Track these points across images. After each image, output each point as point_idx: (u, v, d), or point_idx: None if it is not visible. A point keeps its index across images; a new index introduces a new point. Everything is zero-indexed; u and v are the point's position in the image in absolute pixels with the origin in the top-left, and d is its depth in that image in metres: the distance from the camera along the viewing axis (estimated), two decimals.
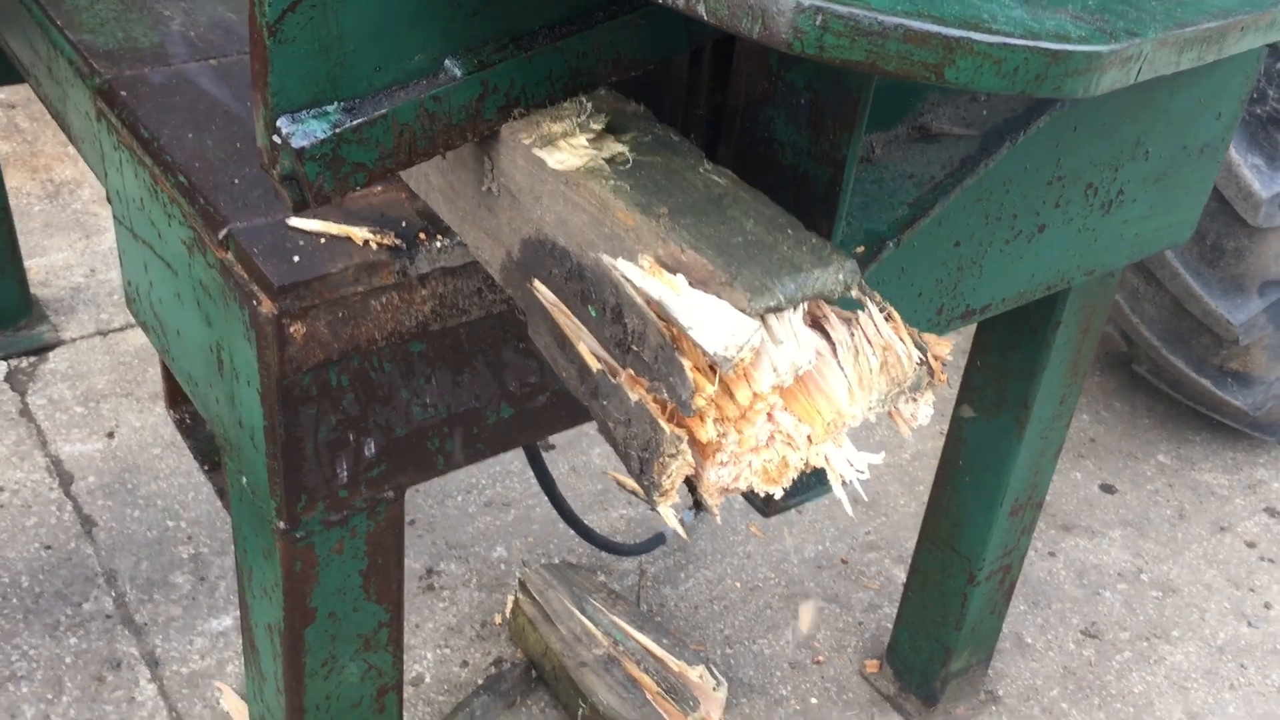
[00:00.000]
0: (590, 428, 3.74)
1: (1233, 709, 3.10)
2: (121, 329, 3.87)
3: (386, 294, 1.41)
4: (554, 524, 3.32)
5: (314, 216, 1.43)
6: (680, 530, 1.20)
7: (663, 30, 1.38)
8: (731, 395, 1.12)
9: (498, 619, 3.05)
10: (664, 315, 1.14)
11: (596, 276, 1.20)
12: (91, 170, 1.84)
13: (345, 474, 1.49)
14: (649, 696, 2.69)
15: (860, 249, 1.56)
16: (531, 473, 3.45)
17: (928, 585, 2.82)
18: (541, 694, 2.87)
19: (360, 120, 1.21)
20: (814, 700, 2.97)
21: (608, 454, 3.64)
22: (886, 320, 1.18)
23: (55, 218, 4.39)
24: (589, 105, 1.34)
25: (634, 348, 1.15)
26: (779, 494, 1.19)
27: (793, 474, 1.17)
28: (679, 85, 1.49)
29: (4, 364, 3.66)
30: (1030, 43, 0.98)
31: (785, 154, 1.41)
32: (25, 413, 3.49)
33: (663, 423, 1.11)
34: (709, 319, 1.11)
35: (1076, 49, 1.00)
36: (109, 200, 1.75)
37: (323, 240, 1.41)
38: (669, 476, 1.11)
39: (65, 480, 3.29)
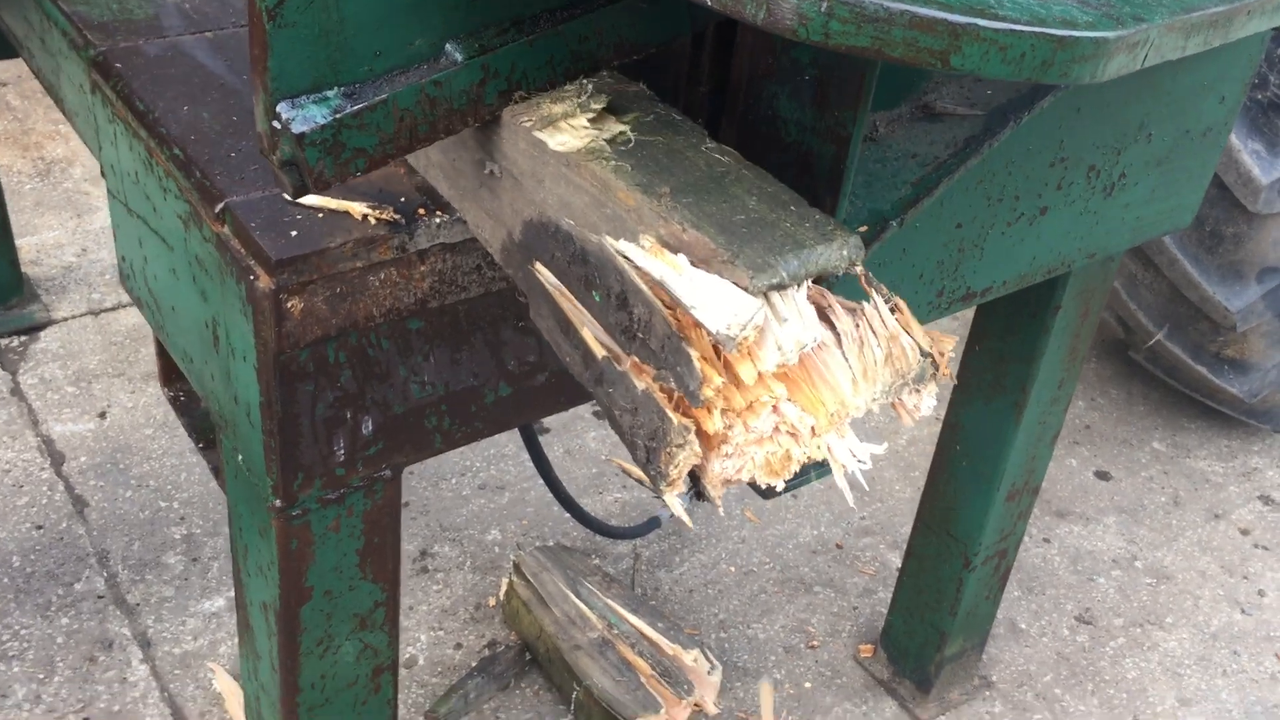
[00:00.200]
0: (585, 410, 3.73)
1: (1225, 695, 3.10)
2: (113, 309, 3.85)
3: (385, 270, 1.39)
4: (548, 507, 3.31)
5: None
6: (687, 520, 1.19)
7: (665, 13, 1.36)
8: (737, 376, 1.11)
9: (492, 602, 3.04)
10: (666, 296, 1.13)
11: (600, 262, 1.19)
12: (85, 144, 1.82)
13: (342, 452, 1.48)
14: (643, 679, 2.69)
15: (863, 228, 1.55)
16: (526, 456, 3.44)
17: (923, 570, 2.82)
18: (535, 676, 2.87)
19: (361, 105, 1.20)
20: (808, 685, 2.97)
21: (603, 437, 3.63)
22: (892, 312, 1.18)
23: (46, 196, 4.36)
24: (589, 86, 1.33)
25: (640, 335, 1.14)
26: (780, 486, 1.19)
27: (795, 467, 1.17)
28: (681, 61, 1.47)
29: None
30: (1036, 29, 0.97)
31: (789, 131, 1.39)
32: (16, 392, 3.47)
33: (670, 412, 1.10)
34: (711, 298, 1.10)
35: (1083, 35, 0.98)
36: (103, 174, 1.73)
37: (321, 215, 1.39)
38: (676, 466, 1.10)
39: (57, 460, 3.27)
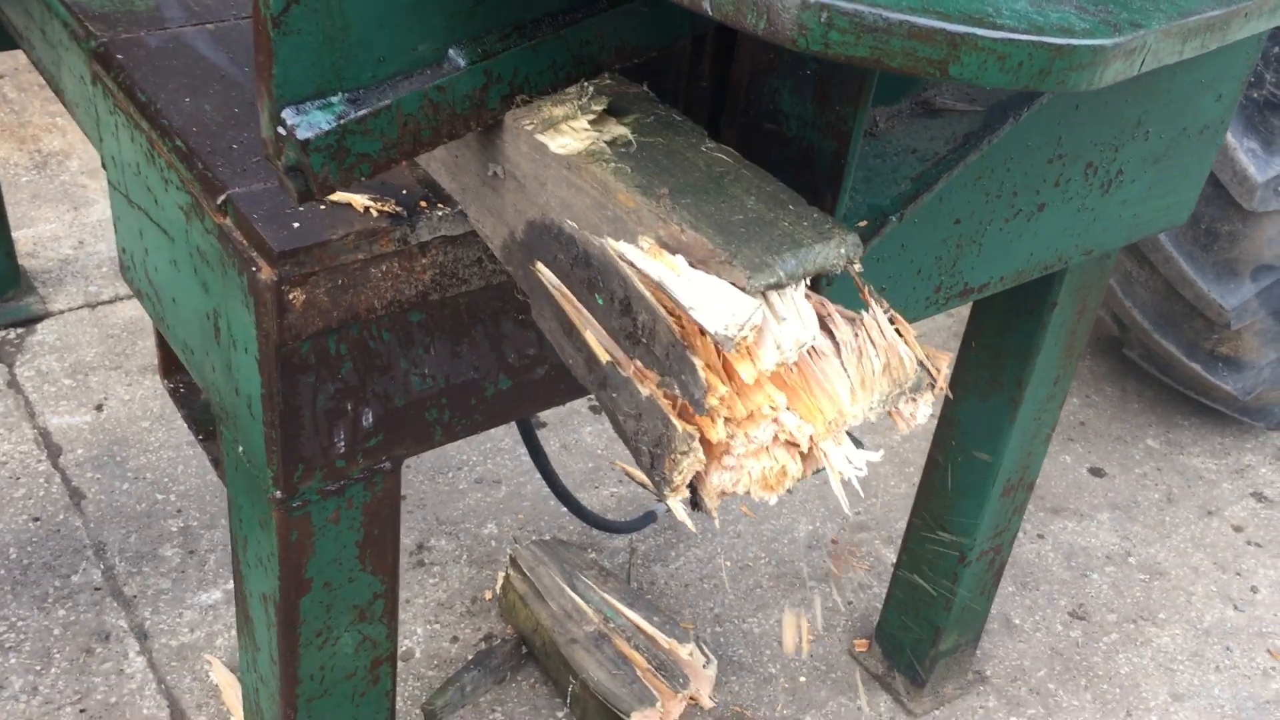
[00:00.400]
0: (582, 405, 3.74)
1: (1218, 691, 3.12)
2: (110, 301, 3.85)
3: (387, 262, 1.39)
4: (544, 501, 3.32)
5: None
6: (690, 524, 1.20)
7: (667, 17, 1.37)
8: (738, 382, 1.12)
9: (488, 595, 3.05)
10: (667, 299, 1.14)
11: (604, 266, 1.19)
12: (85, 135, 1.82)
13: (343, 443, 1.48)
14: (639, 673, 2.70)
15: (863, 223, 1.56)
16: (522, 450, 3.45)
17: (918, 565, 2.83)
18: (531, 670, 2.87)
19: (365, 111, 1.21)
20: (803, 679, 2.98)
21: (599, 432, 3.63)
22: (891, 323, 1.19)
23: (43, 189, 4.35)
24: (590, 88, 1.34)
25: (644, 340, 1.15)
26: (773, 501, 1.20)
27: (790, 484, 1.19)
28: (682, 57, 1.48)
29: None
30: (1034, 38, 0.98)
31: (790, 126, 1.40)
32: (13, 384, 3.47)
33: (675, 420, 1.11)
34: (709, 299, 1.11)
35: (1081, 43, 0.99)
36: (104, 166, 1.73)
37: (323, 207, 1.39)
38: (680, 473, 1.12)
39: (54, 452, 3.27)
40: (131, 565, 2.99)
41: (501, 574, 2.97)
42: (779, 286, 1.14)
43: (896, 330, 1.20)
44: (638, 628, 2.80)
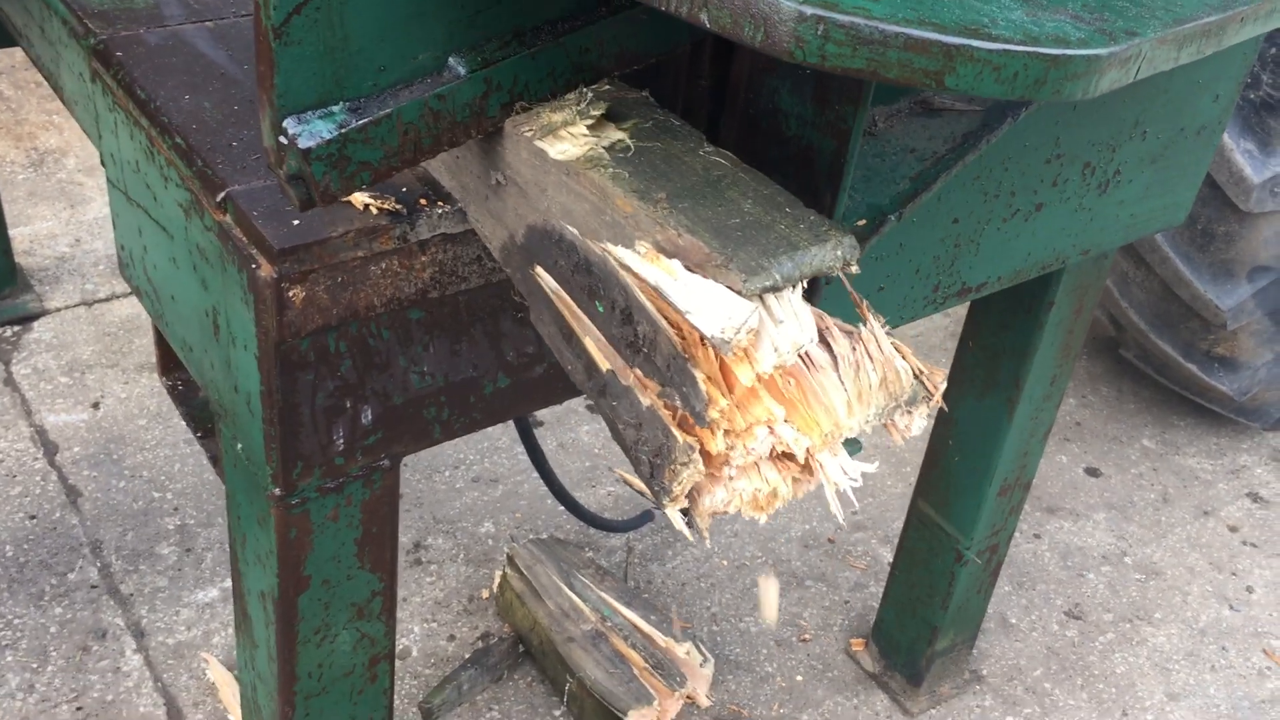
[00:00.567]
0: (579, 404, 3.74)
1: (1213, 690, 3.12)
2: (107, 299, 3.85)
3: (386, 260, 1.40)
4: (541, 500, 3.32)
5: None
6: (688, 533, 1.21)
7: (666, 24, 1.37)
8: (741, 393, 1.13)
9: (485, 594, 3.05)
10: (668, 309, 1.14)
11: (605, 275, 1.20)
12: (84, 132, 1.82)
13: (342, 441, 1.48)
14: (636, 672, 2.70)
15: (862, 222, 1.56)
16: (519, 449, 3.45)
17: (915, 564, 2.83)
18: (529, 668, 2.88)
19: (365, 120, 1.22)
20: (799, 678, 2.98)
21: (596, 431, 3.63)
22: (888, 337, 1.21)
23: (40, 187, 4.35)
24: (589, 93, 1.35)
25: (644, 350, 1.16)
26: (763, 520, 1.22)
27: (780, 504, 1.20)
28: (682, 56, 1.48)
29: None
30: (1029, 48, 0.98)
31: (790, 125, 1.40)
32: (9, 382, 3.47)
33: (676, 431, 1.12)
34: (706, 303, 1.12)
35: (1075, 53, 1.00)
36: (102, 163, 1.73)
37: None
38: (680, 483, 1.13)
39: (50, 450, 3.26)
40: (128, 563, 2.98)
41: (499, 572, 2.97)
42: (775, 289, 1.15)
43: (893, 345, 1.22)
44: (635, 626, 2.81)
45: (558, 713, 2.78)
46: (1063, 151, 1.91)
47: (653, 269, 1.17)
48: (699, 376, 1.11)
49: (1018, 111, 1.74)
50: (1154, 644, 3.24)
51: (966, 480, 2.64)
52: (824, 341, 1.19)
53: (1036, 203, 1.95)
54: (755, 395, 1.13)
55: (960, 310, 4.06)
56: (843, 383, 1.18)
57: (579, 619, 2.80)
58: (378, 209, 1.40)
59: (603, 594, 2.87)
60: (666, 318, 1.14)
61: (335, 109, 1.21)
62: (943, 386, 1.25)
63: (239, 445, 1.53)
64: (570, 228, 1.27)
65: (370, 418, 1.49)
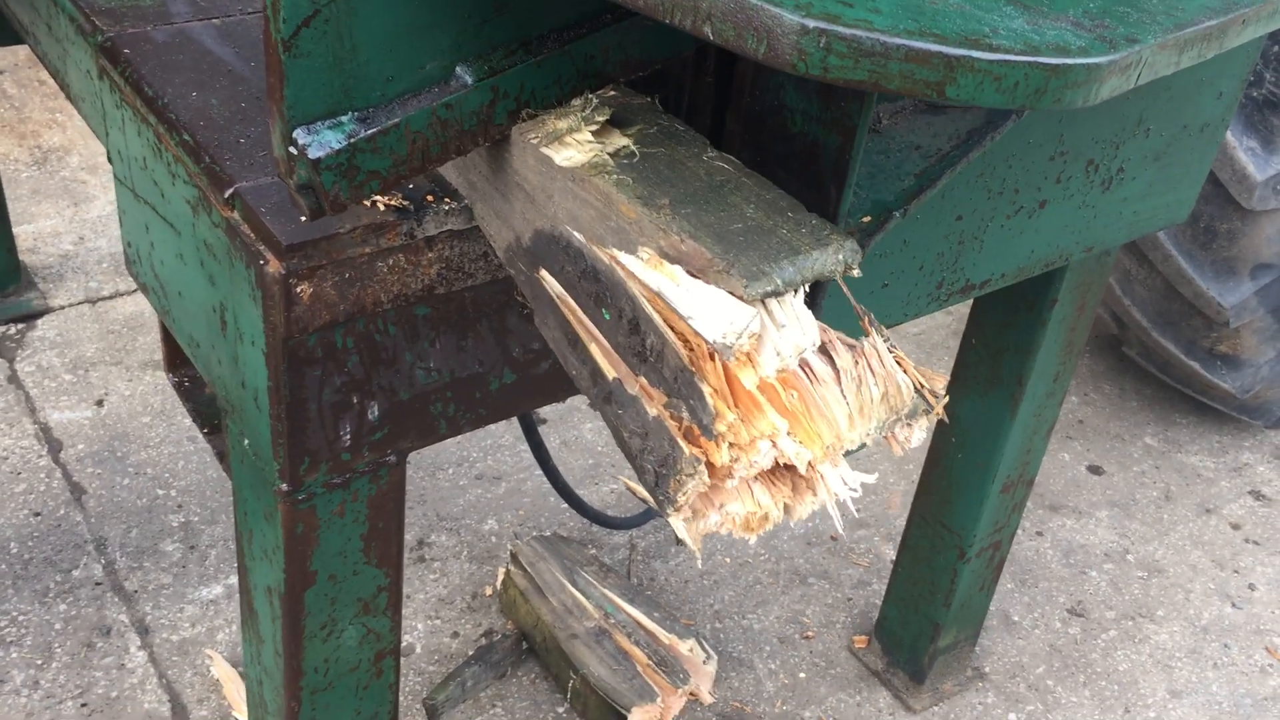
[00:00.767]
0: (582, 402, 3.74)
1: (1216, 688, 3.13)
2: (110, 297, 3.85)
3: (393, 256, 1.40)
4: (545, 498, 3.33)
5: None
6: (691, 543, 1.22)
7: (670, 31, 1.38)
8: (745, 404, 1.14)
9: (488, 591, 3.06)
10: (675, 319, 1.16)
11: (612, 283, 1.22)
12: (91, 130, 1.82)
13: (348, 436, 1.49)
14: (639, 669, 2.70)
15: (867, 219, 1.56)
16: (522, 447, 3.46)
17: (918, 561, 2.84)
18: (532, 665, 2.88)
19: (374, 130, 1.24)
20: (802, 675, 2.99)
21: (599, 429, 3.64)
22: (890, 351, 1.22)
23: (43, 185, 4.36)
24: (594, 99, 1.36)
25: (651, 359, 1.17)
26: (753, 540, 1.24)
27: (770, 527, 1.23)
28: (687, 53, 1.48)
29: None
30: (1029, 58, 0.99)
31: (795, 121, 1.40)
32: (14, 379, 3.47)
33: (682, 442, 1.13)
34: (708, 308, 1.14)
35: (1076, 62, 1.00)
36: (109, 160, 1.73)
37: None
38: (685, 494, 1.14)
39: (54, 447, 3.27)
40: (132, 560, 2.99)
41: (502, 569, 2.97)
42: (777, 294, 1.17)
43: (895, 359, 1.23)
44: (638, 623, 2.81)
45: (561, 709, 2.79)
46: (1066, 149, 1.92)
47: (655, 275, 1.19)
48: (706, 390, 1.13)
49: (1021, 109, 1.74)
50: (1156, 641, 3.24)
51: (969, 477, 2.65)
52: (826, 355, 1.21)
53: (1040, 200, 1.95)
54: (759, 407, 1.15)
55: (963, 308, 4.07)
56: (845, 396, 1.20)
57: (582, 616, 2.81)
58: (385, 205, 1.40)
59: (606, 591, 2.87)
60: (673, 328, 1.16)
61: (344, 119, 1.22)
62: (944, 400, 1.27)
63: (246, 441, 1.54)
64: (577, 234, 1.28)
65: (377, 413, 1.50)
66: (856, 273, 1.23)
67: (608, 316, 1.23)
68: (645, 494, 1.20)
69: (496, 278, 1.51)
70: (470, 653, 2.87)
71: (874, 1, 0.99)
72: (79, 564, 2.96)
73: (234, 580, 2.97)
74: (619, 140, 1.33)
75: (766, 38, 0.97)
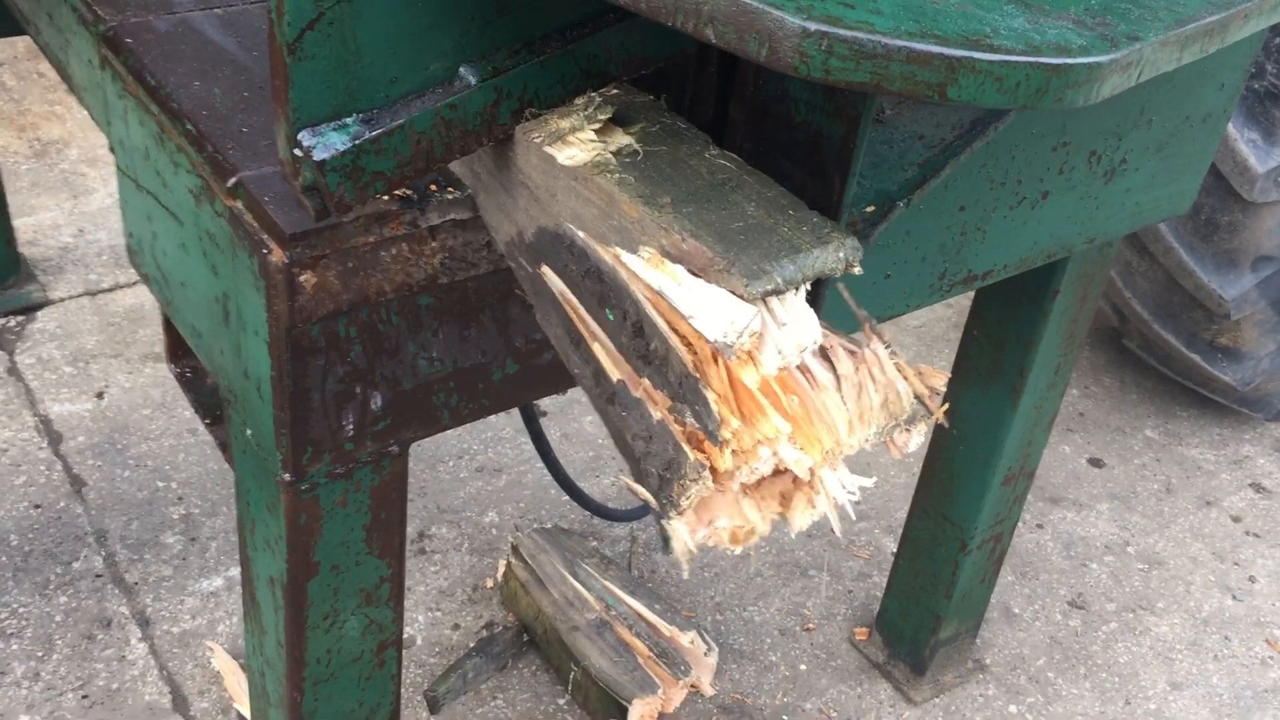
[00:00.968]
0: (583, 394, 3.74)
1: (1216, 680, 3.13)
2: (110, 290, 3.85)
3: (397, 245, 1.40)
4: (545, 490, 3.33)
5: None
6: (693, 546, 1.23)
7: (673, 30, 1.38)
8: (744, 403, 1.15)
9: (489, 583, 3.06)
10: (681, 321, 1.16)
11: (616, 285, 1.22)
12: (93, 119, 1.82)
13: (351, 426, 1.49)
14: (640, 660, 2.70)
15: (870, 209, 1.56)
16: (522, 439, 3.46)
17: (919, 553, 2.84)
18: (533, 657, 2.88)
19: (379, 131, 1.24)
20: (803, 667, 2.99)
21: (599, 422, 3.64)
22: (890, 358, 1.23)
23: (43, 177, 4.35)
24: (596, 98, 1.36)
25: (655, 362, 1.17)
26: (738, 551, 1.26)
27: (756, 540, 1.24)
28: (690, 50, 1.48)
29: None
30: (1030, 58, 0.99)
31: (799, 110, 1.40)
32: (14, 372, 3.47)
33: (687, 448, 1.14)
34: (708, 307, 1.14)
35: (1077, 61, 1.00)
36: (112, 150, 1.73)
37: None
38: (688, 498, 1.15)
39: (54, 440, 3.27)
40: (133, 552, 2.99)
41: (503, 562, 2.97)
42: (777, 293, 1.18)
43: (896, 365, 1.24)
44: (639, 616, 2.81)
45: (562, 701, 2.79)
46: (1069, 139, 1.91)
47: (657, 275, 1.20)
48: (711, 398, 1.14)
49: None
50: (1157, 634, 3.24)
51: (970, 470, 2.65)
52: (828, 360, 1.22)
53: (1043, 191, 1.95)
54: (762, 411, 1.16)
55: (963, 301, 4.06)
56: (845, 402, 1.22)
57: (583, 608, 2.81)
58: (389, 194, 1.40)
59: (607, 583, 2.87)
60: (676, 330, 1.17)
61: (349, 121, 1.23)
62: (944, 407, 1.29)
63: (249, 431, 1.54)
64: (581, 233, 1.28)
65: (380, 403, 1.49)
66: (858, 270, 1.24)
67: (611, 317, 1.24)
68: (646, 495, 1.20)
69: (499, 267, 1.51)
70: (471, 645, 2.87)
71: (876, 3, 1.00)
72: (79, 556, 2.96)
73: (234, 572, 2.97)
74: (621, 139, 1.34)
75: (768, 41, 0.98)
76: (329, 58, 1.18)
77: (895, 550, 2.94)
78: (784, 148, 1.41)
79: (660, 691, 2.64)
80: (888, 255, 1.79)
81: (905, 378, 1.26)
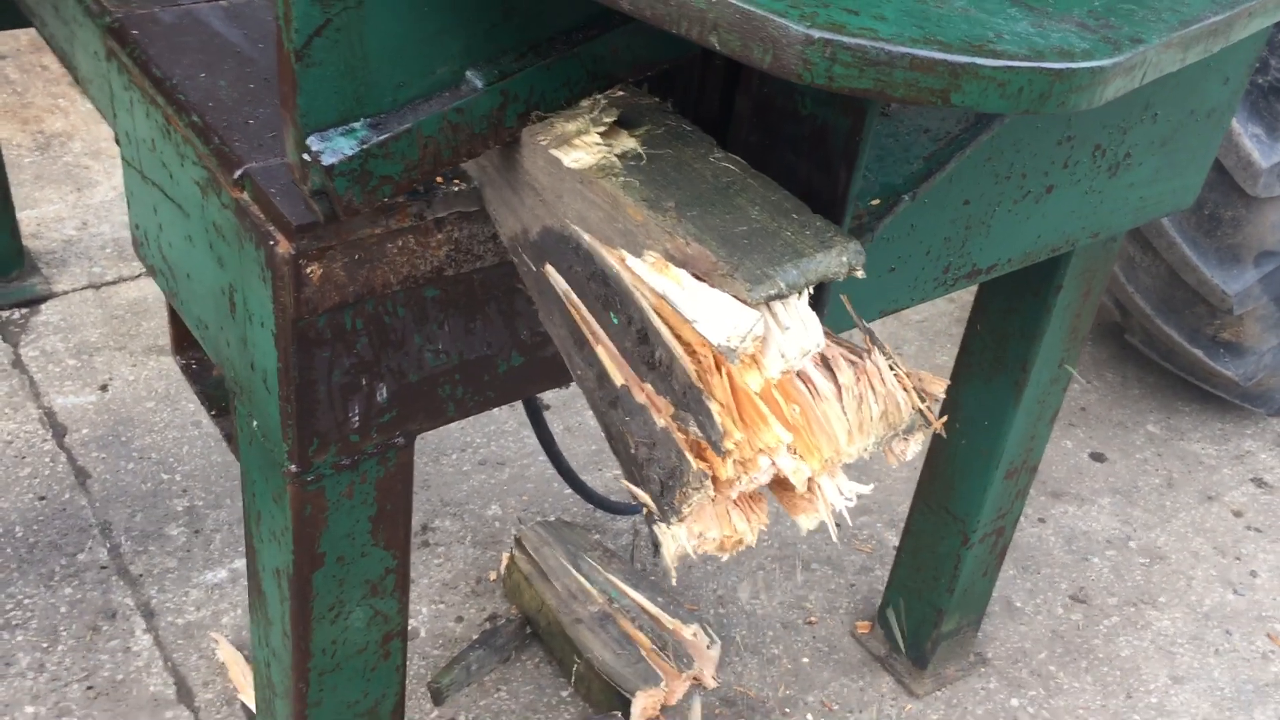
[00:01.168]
0: None
1: (1217, 674, 3.14)
2: (114, 282, 3.85)
3: (403, 237, 1.40)
4: (548, 483, 3.33)
5: None
6: (692, 552, 1.24)
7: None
8: (746, 411, 1.16)
9: (492, 575, 3.06)
10: (687, 328, 1.17)
11: (620, 290, 1.23)
12: (99, 112, 1.82)
13: (357, 418, 1.49)
14: (643, 653, 2.71)
15: (876, 202, 1.57)
16: (526, 432, 3.46)
17: (921, 548, 2.84)
18: (536, 649, 2.89)
19: (386, 135, 1.26)
20: (805, 660, 3.00)
21: None
22: (890, 370, 1.24)
23: (46, 170, 4.35)
24: (602, 101, 1.37)
25: (659, 369, 1.18)
26: (725, 558, 1.28)
27: (742, 548, 1.26)
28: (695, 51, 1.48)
29: None
30: (1033, 64, 0.99)
31: (805, 103, 1.40)
32: (18, 364, 3.48)
33: (690, 457, 1.15)
34: (712, 312, 1.15)
35: (1080, 66, 1.00)
36: (117, 142, 1.73)
37: None
38: (689, 505, 1.16)
39: (59, 432, 3.28)
40: (137, 544, 3.00)
41: (506, 554, 2.98)
42: (780, 297, 1.18)
43: (896, 376, 1.25)
44: (642, 608, 2.82)
45: (565, 693, 2.80)
46: (1074, 134, 1.92)
47: (661, 279, 1.21)
48: (715, 409, 1.15)
49: None
50: (1158, 628, 3.25)
51: (973, 463, 2.65)
52: (829, 370, 1.23)
53: (1047, 185, 1.95)
54: (764, 420, 1.17)
55: (966, 295, 4.07)
56: (845, 413, 1.23)
57: (586, 600, 2.81)
58: None
59: (610, 576, 2.88)
60: (679, 336, 1.17)
61: (357, 125, 1.24)
62: (941, 419, 1.30)
63: (254, 423, 1.54)
64: (586, 235, 1.29)
65: (386, 395, 1.50)
66: (860, 274, 1.25)
67: (615, 321, 1.24)
68: (645, 498, 1.21)
69: (505, 260, 1.51)
70: (475, 637, 2.87)
71: (879, 9, 1.00)
72: (84, 548, 2.97)
73: (239, 564, 2.97)
74: (627, 142, 1.35)
75: (772, 48, 0.98)
76: (336, 64, 1.19)
77: (897, 544, 2.94)
78: (790, 141, 1.41)
79: (663, 684, 2.65)
80: (892, 249, 1.79)
81: (905, 389, 1.27)
